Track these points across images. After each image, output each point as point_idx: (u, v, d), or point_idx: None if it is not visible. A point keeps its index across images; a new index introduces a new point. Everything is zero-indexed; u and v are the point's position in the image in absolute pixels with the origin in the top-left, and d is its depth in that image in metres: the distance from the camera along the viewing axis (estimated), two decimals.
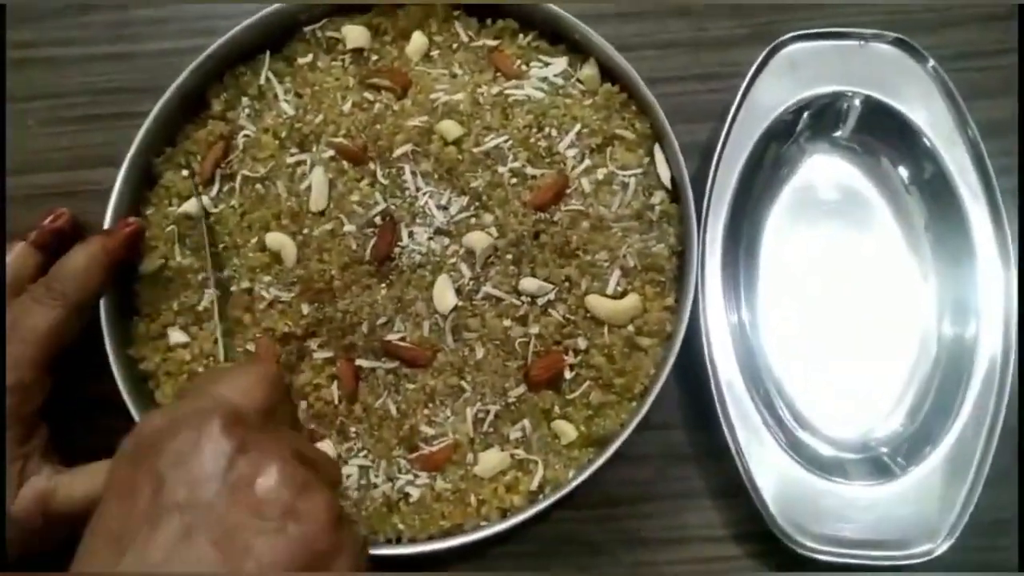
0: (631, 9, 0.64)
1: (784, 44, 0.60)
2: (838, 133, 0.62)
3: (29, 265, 0.54)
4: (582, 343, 0.54)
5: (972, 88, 0.60)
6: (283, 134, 0.57)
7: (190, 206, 0.56)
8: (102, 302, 0.54)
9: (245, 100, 0.58)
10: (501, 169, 0.56)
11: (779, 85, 0.60)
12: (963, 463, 0.55)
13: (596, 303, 0.55)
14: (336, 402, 0.54)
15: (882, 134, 0.61)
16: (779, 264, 0.61)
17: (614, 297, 0.55)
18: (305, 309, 0.55)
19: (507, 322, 0.54)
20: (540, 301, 0.55)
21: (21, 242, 0.55)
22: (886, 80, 0.60)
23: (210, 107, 0.58)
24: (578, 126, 0.57)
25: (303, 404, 0.54)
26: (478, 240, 0.55)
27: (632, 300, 0.55)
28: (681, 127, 0.58)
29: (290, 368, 0.55)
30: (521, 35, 0.59)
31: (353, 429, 0.54)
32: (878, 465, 0.57)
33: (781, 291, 0.60)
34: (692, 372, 0.57)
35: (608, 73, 0.59)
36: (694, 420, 0.58)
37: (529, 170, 0.56)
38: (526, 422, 0.54)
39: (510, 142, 0.56)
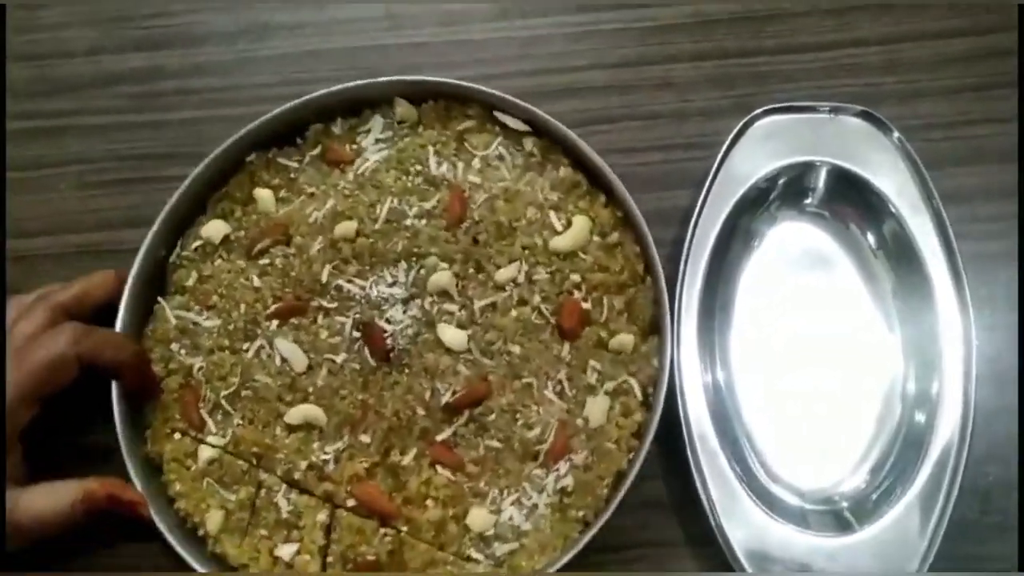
0: (619, 82, 0.69)
1: (758, 117, 0.63)
2: (808, 200, 0.65)
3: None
4: (576, 277, 0.59)
5: (937, 157, 0.64)
6: (226, 342, 0.59)
7: (206, 453, 0.58)
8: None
9: (173, 346, 0.60)
10: (408, 221, 0.60)
11: (754, 155, 0.63)
12: (925, 517, 0.57)
13: (558, 243, 0.60)
14: (453, 477, 0.57)
15: (850, 201, 0.64)
16: (753, 324, 0.63)
17: (566, 228, 0.60)
18: (366, 439, 0.57)
19: (513, 312, 0.59)
20: (520, 279, 0.59)
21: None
22: (854, 150, 0.63)
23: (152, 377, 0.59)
24: (429, 147, 0.62)
25: (429, 503, 0.56)
26: (439, 280, 0.59)
27: (579, 220, 0.60)
28: (665, 193, 0.65)
29: (399, 487, 0.57)
30: (333, 127, 0.64)
31: (483, 484, 0.57)
32: (839, 519, 0.59)
33: (754, 350, 0.63)
34: (670, 428, 0.59)
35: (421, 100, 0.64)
36: (673, 472, 0.60)
37: (427, 205, 0.61)
38: (592, 362, 0.58)
39: (396, 200, 0.61)
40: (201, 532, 0.57)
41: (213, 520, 0.57)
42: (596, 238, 0.60)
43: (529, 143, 0.62)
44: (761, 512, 0.57)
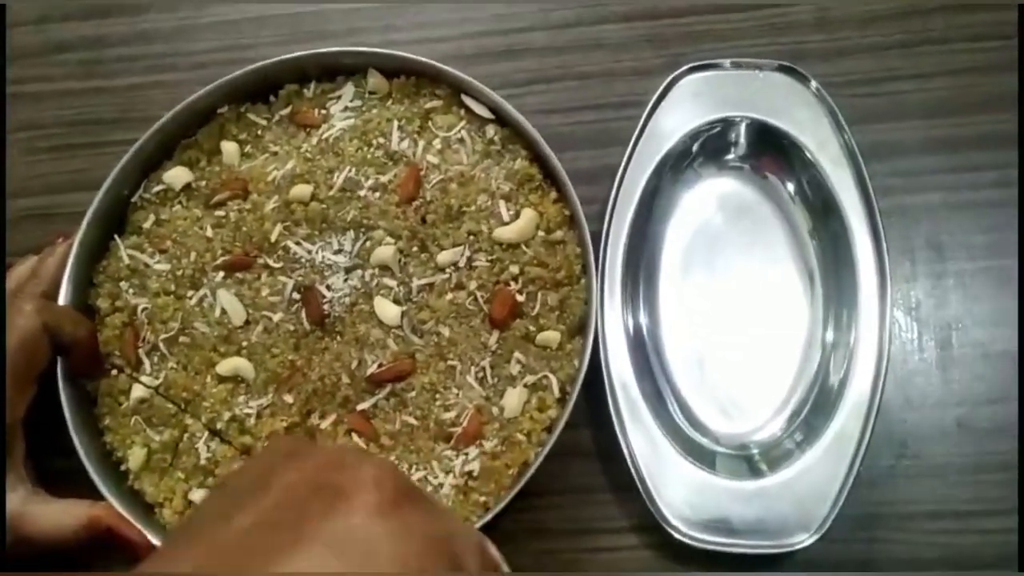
0: (557, 43, 0.70)
1: (683, 75, 0.64)
2: (731, 155, 0.66)
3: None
4: (515, 268, 0.60)
5: (863, 113, 0.65)
6: (172, 287, 0.61)
7: (137, 392, 0.59)
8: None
9: (123, 284, 0.61)
10: (362, 192, 0.61)
11: (679, 113, 0.64)
12: (837, 463, 0.58)
13: (503, 233, 0.60)
14: (365, 447, 0.58)
15: (771, 156, 0.65)
16: (677, 276, 0.65)
17: (513, 220, 0.61)
18: (290, 399, 0.59)
19: (449, 295, 0.60)
20: (461, 263, 0.60)
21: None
22: (778, 106, 0.63)
23: (99, 310, 0.61)
24: (395, 122, 0.63)
25: None
26: (383, 254, 0.60)
27: (527, 213, 0.61)
28: (598, 152, 0.67)
29: None
30: (305, 90, 0.65)
31: (394, 458, 0.58)
32: (751, 465, 0.60)
33: (679, 301, 0.64)
34: (594, 376, 0.59)
35: (394, 74, 0.65)
36: (597, 420, 0.62)
37: (383, 178, 0.62)
38: (516, 354, 0.59)
39: (353, 169, 0.62)
40: (123, 467, 0.59)
41: (136, 457, 0.59)
42: (541, 233, 0.61)
43: (491, 130, 0.63)
44: (681, 458, 0.59)
